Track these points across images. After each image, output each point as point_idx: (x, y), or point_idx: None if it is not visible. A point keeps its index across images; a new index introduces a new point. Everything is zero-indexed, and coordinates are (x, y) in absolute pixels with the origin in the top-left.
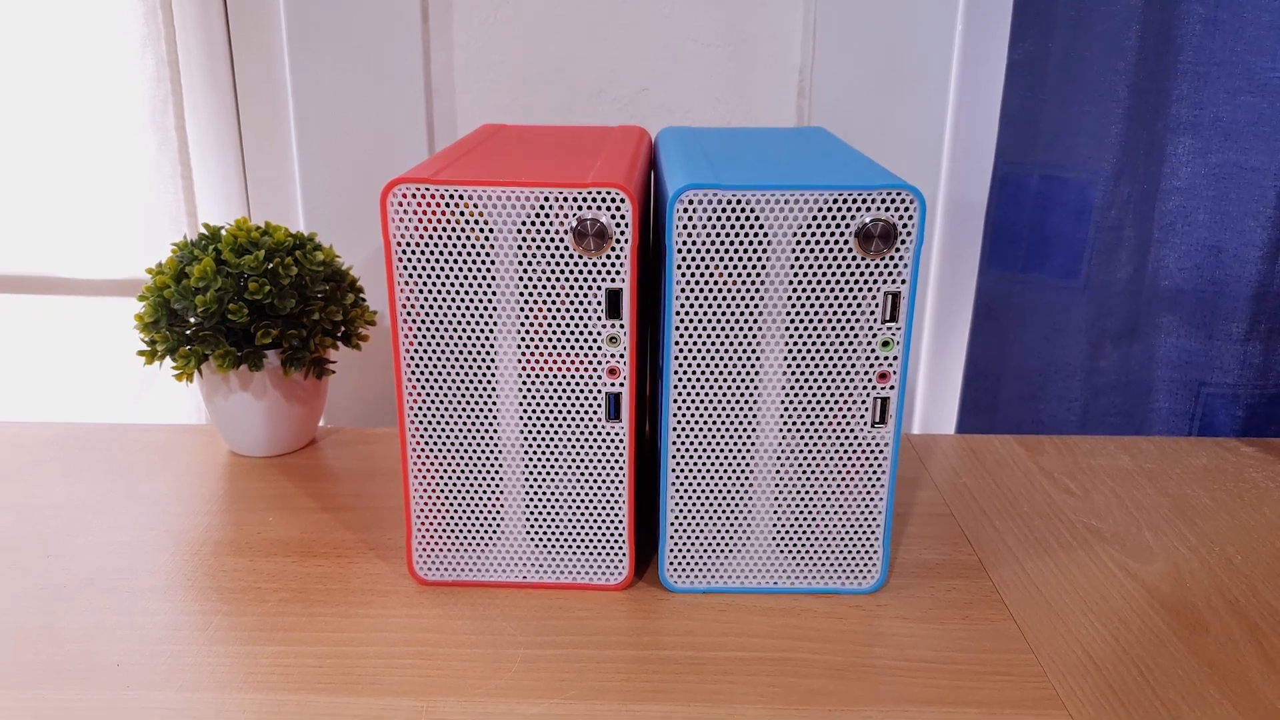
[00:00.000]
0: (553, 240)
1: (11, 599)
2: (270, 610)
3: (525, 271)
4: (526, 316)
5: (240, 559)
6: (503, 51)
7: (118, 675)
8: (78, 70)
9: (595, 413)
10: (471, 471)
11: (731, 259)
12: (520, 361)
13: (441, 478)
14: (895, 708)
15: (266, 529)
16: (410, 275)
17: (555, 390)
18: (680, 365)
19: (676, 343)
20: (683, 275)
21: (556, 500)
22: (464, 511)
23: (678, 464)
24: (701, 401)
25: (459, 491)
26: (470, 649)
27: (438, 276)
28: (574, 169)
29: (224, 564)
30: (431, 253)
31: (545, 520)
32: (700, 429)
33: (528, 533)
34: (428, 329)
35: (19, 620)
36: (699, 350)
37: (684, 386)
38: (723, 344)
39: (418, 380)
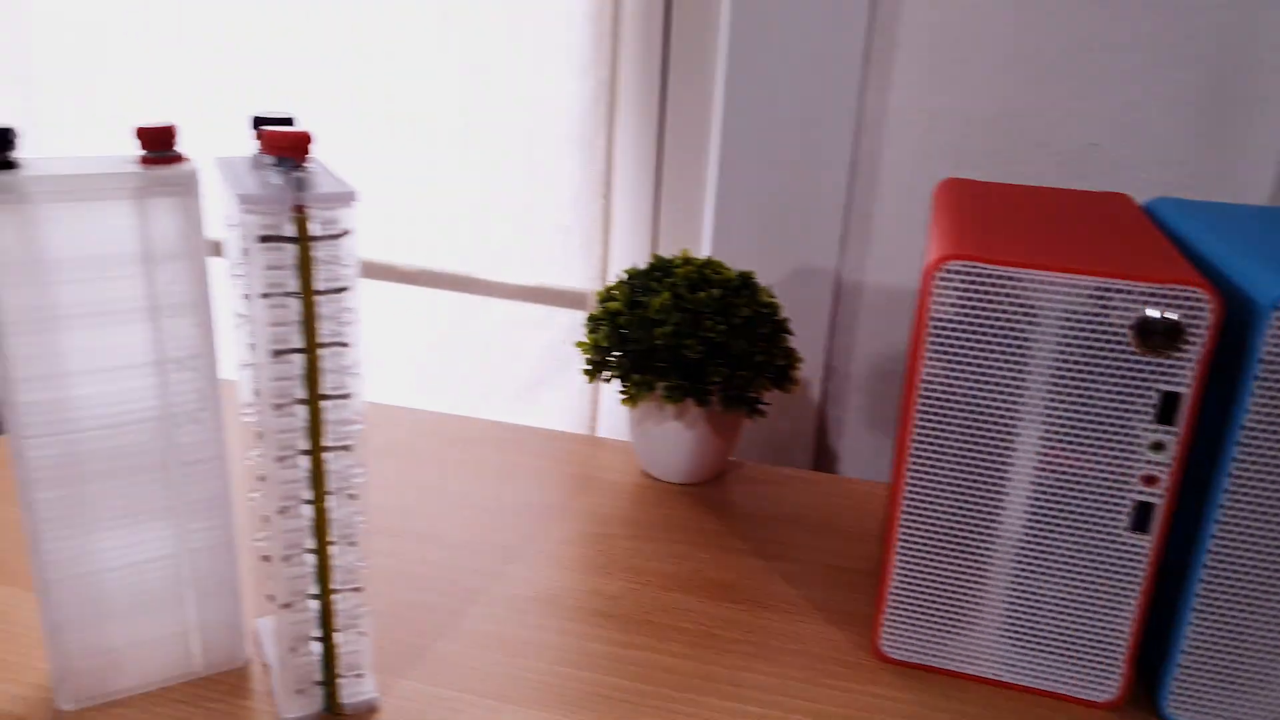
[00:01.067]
0: (1107, 333)
1: (491, 606)
2: (736, 664)
3: (1066, 361)
4: (1057, 407)
5: (689, 597)
6: (941, 96)
7: (611, 708)
8: (521, 87)
9: (1118, 521)
10: (963, 555)
11: None
12: (1041, 453)
13: (929, 557)
14: None
15: (703, 566)
16: (940, 350)
17: (1076, 490)
18: (1237, 484)
19: (1240, 460)
20: (1263, 391)
21: (1051, 602)
22: (946, 594)
23: (1210, 587)
24: (1251, 524)
25: (945, 573)
26: None
27: (969, 354)
28: (1127, 255)
29: (674, 601)
30: (967, 330)
31: (1033, 620)
32: (1242, 553)
33: (1009, 628)
34: (947, 405)
35: (500, 629)
36: (1268, 471)
37: (1238, 506)
38: None
39: (925, 456)
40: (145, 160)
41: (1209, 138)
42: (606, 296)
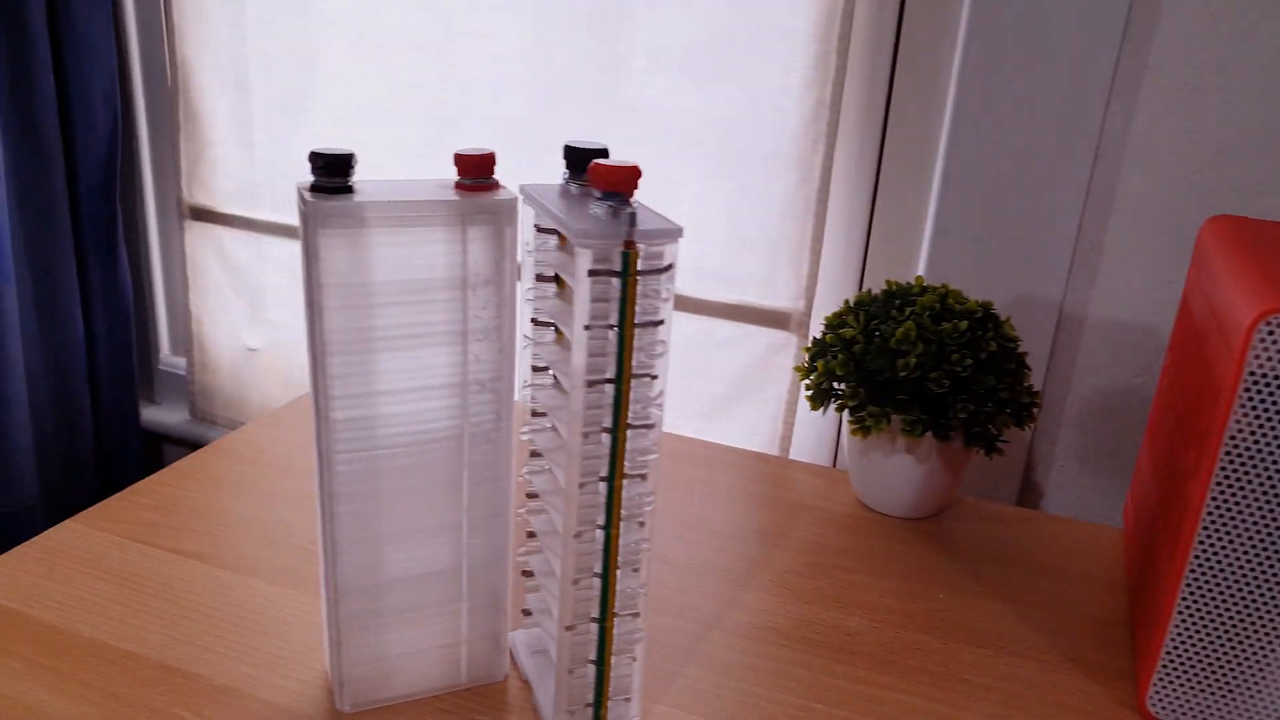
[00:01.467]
0: None
1: (731, 634)
2: (991, 712)
3: None
4: None
5: (930, 638)
6: (1190, 123)
7: None
8: (739, 101)
9: None
10: (1256, 616)
11: None
12: None
13: (1214, 616)
14: None
15: (940, 606)
16: (1250, 405)
17: None
18: None
19: None
20: None
21: None
22: (1228, 656)
23: None
24: None
25: (1230, 634)
26: None
27: None
28: None
29: (915, 640)
30: None
31: None
32: None
33: None
34: (1254, 460)
35: (743, 658)
36: None
37: None
38: None
39: (1224, 513)
40: (462, 187)
41: None
42: (838, 323)
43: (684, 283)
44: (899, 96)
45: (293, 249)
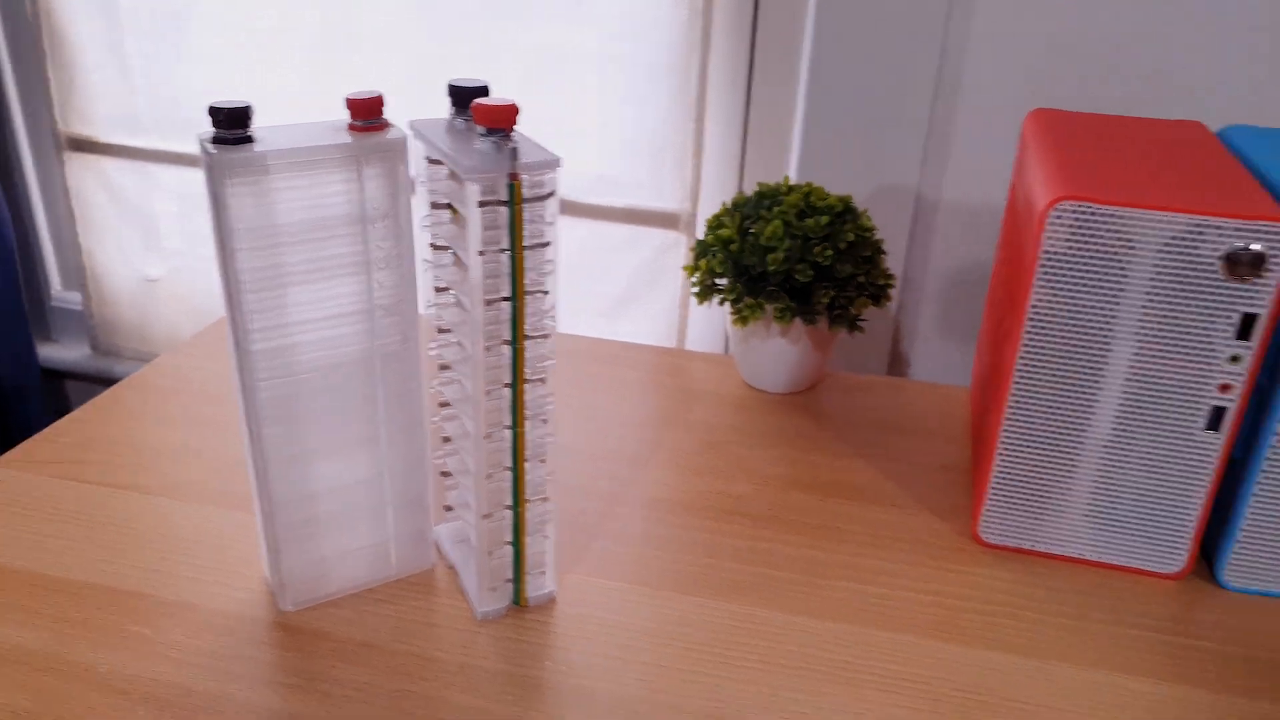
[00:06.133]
0: (1198, 262)
1: (634, 509)
2: (854, 551)
3: (1159, 286)
4: (1149, 326)
5: (807, 496)
6: (1020, 22)
7: (753, 591)
8: (613, 15)
9: (1195, 422)
10: (1058, 452)
11: None
12: (1132, 365)
13: (1028, 454)
14: None
15: (816, 469)
16: (1049, 279)
17: (1161, 396)
18: None
19: None
20: None
21: (1133, 490)
22: (1040, 486)
23: (1268, 480)
24: None
25: (1041, 468)
26: (1048, 615)
27: (1075, 281)
28: (1215, 191)
29: (795, 499)
30: (1075, 261)
31: (1116, 505)
32: None
33: (1094, 513)
34: (1052, 325)
35: (646, 528)
36: None
37: None
38: None
39: (1031, 369)
40: (354, 128)
41: (1278, 64)
42: (716, 224)
43: (578, 190)
44: (765, 6)
45: (184, 175)
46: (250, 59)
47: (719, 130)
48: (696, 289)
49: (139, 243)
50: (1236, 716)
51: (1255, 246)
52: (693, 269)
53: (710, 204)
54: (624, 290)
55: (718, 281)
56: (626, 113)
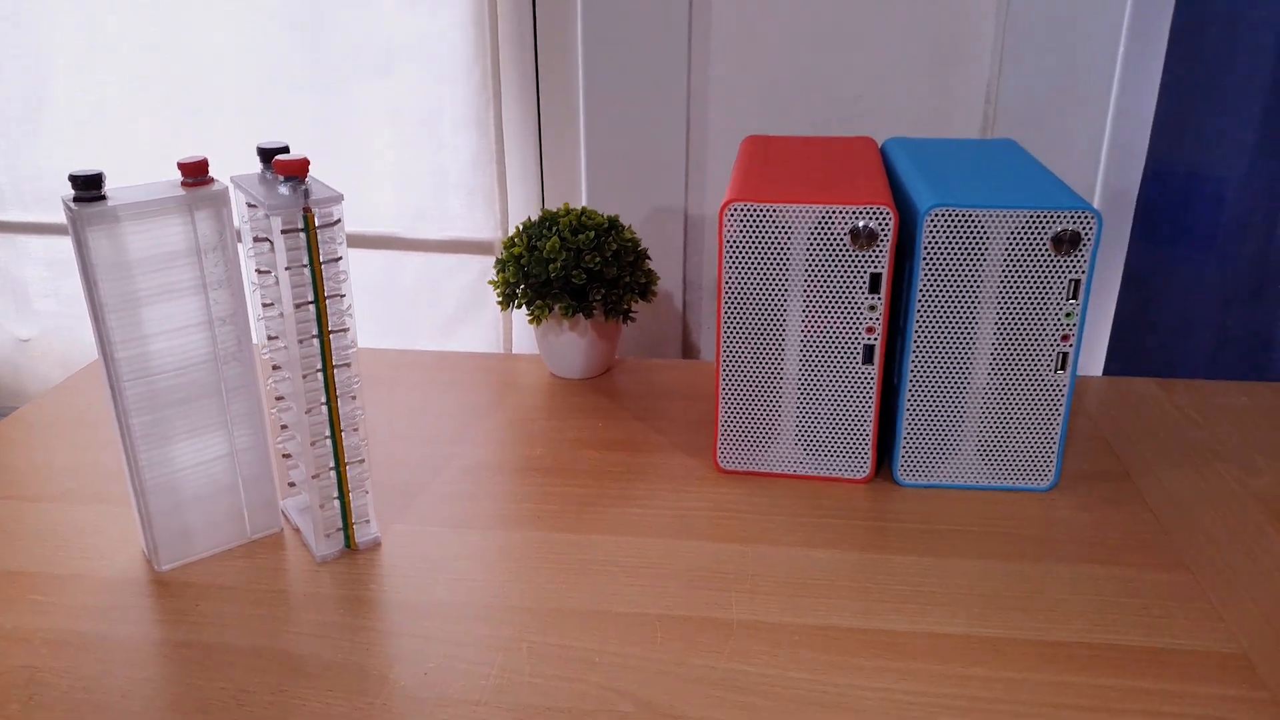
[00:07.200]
0: (834, 239)
1: (451, 473)
2: (623, 486)
3: (813, 259)
4: (810, 289)
5: (591, 451)
6: (750, 66)
7: (545, 520)
8: (423, 77)
9: (855, 358)
10: (763, 394)
11: (960, 255)
12: (804, 321)
13: (741, 398)
14: (1069, 565)
15: (600, 431)
16: (733, 264)
17: (827, 342)
18: (920, 327)
19: (919, 311)
20: (927, 266)
21: (822, 418)
22: (754, 422)
23: (913, 396)
24: (932, 353)
25: (752, 408)
26: (764, 515)
27: (751, 263)
28: (847, 187)
29: (582, 455)
30: (747, 248)
31: (812, 431)
32: (930, 372)
33: (798, 439)
34: (742, 299)
35: (460, 486)
36: (934, 317)
37: (921, 342)
38: (951, 315)
39: (733, 331)
40: (186, 184)
41: (936, 87)
42: (510, 244)
43: (405, 227)
44: (544, 65)
45: (49, 243)
46: (103, 131)
47: (518, 169)
48: (499, 298)
49: (10, 307)
50: (916, 569)
51: (864, 223)
52: (495, 282)
53: None
54: (454, 310)
55: (515, 290)
56: (442, 159)
